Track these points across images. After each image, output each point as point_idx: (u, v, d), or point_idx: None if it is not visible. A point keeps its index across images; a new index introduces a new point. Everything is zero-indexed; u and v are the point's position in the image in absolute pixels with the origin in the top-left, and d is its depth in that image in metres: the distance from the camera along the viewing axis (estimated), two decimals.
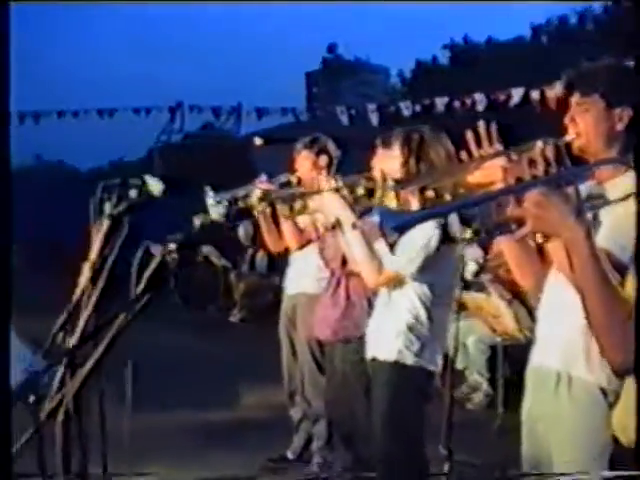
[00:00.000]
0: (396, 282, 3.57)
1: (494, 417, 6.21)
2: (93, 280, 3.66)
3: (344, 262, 4.08)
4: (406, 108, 13.95)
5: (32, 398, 1.96)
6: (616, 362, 1.88)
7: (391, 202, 2.43)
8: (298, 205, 3.93)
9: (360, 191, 4.05)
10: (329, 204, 3.64)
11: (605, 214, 2.31)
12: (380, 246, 3.61)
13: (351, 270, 4.02)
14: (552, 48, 33.01)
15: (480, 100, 12.03)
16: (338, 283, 4.16)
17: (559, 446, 2.73)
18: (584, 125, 2.55)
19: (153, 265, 2.03)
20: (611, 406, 2.64)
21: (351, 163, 5.14)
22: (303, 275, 5.18)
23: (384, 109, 14.35)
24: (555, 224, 1.76)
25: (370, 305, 4.00)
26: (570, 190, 1.79)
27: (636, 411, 2.44)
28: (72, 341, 2.72)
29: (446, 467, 4.56)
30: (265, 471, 5.33)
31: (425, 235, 3.43)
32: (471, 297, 6.38)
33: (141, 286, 2.03)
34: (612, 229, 2.23)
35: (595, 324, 1.79)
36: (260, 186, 4.47)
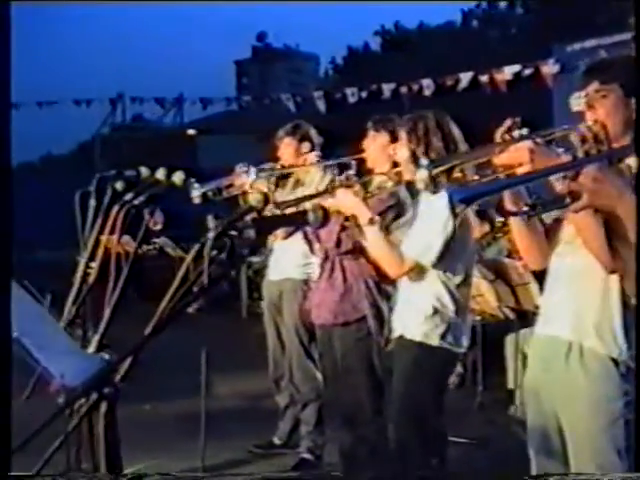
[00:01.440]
0: (419, 271, 3.58)
1: (471, 395, 6.34)
2: (101, 272, 3.65)
3: (338, 244, 4.09)
4: (352, 95, 14.02)
5: (107, 390, 1.92)
6: None
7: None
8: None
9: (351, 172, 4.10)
10: (342, 202, 3.59)
11: None
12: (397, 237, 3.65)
13: (346, 252, 4.05)
14: (482, 32, 33.37)
15: (427, 85, 12.17)
16: (333, 267, 4.16)
17: (570, 414, 2.81)
18: (602, 111, 2.65)
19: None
20: (622, 376, 2.75)
21: None
22: (287, 262, 5.20)
23: (330, 96, 14.40)
24: (612, 198, 1.84)
25: (367, 287, 4.05)
26: (623, 166, 1.87)
27: (636, 412, 2.55)
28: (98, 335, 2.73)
29: None
30: (254, 457, 5.36)
31: (440, 221, 3.44)
32: None
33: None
34: None
35: None
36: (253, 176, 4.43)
